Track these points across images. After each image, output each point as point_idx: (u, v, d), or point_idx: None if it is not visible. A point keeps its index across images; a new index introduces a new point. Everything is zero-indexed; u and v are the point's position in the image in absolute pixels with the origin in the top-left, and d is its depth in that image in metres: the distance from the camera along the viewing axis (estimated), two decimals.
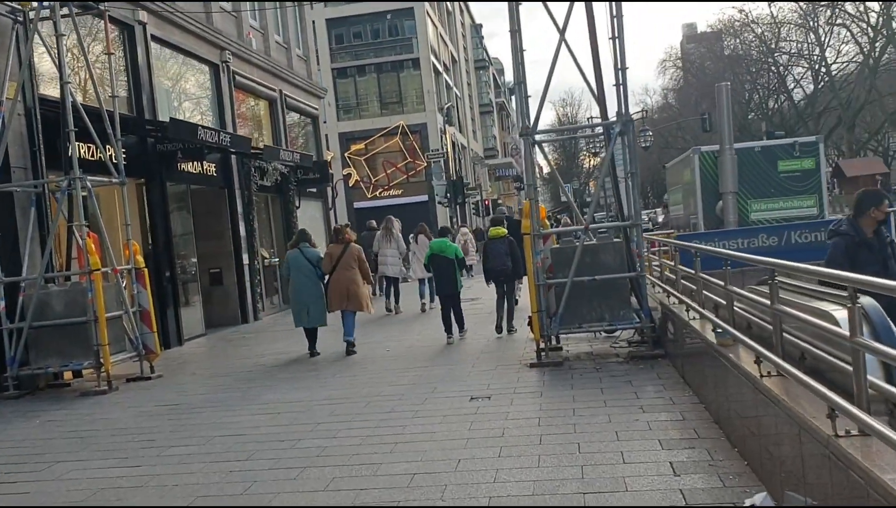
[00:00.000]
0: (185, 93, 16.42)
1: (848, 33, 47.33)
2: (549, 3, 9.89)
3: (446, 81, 49.66)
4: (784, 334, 4.87)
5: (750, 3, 71.48)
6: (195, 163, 15.34)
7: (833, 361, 4.30)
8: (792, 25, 49.48)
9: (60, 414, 8.85)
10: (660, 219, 38.02)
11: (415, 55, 43.75)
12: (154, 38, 14.35)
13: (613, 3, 9.44)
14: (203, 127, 14.38)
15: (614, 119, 9.84)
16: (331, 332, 12.06)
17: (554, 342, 10.07)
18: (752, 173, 17.10)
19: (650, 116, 58.63)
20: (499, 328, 11.89)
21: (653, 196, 69.11)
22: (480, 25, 72.41)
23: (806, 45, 49.62)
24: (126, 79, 13.63)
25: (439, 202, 37.41)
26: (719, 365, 5.90)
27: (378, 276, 16.99)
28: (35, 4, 10.42)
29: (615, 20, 9.46)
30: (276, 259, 19.19)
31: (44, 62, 11.45)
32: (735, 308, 6.11)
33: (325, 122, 28.78)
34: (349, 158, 42.72)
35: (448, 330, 11.71)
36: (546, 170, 73.30)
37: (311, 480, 5.66)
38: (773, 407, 4.50)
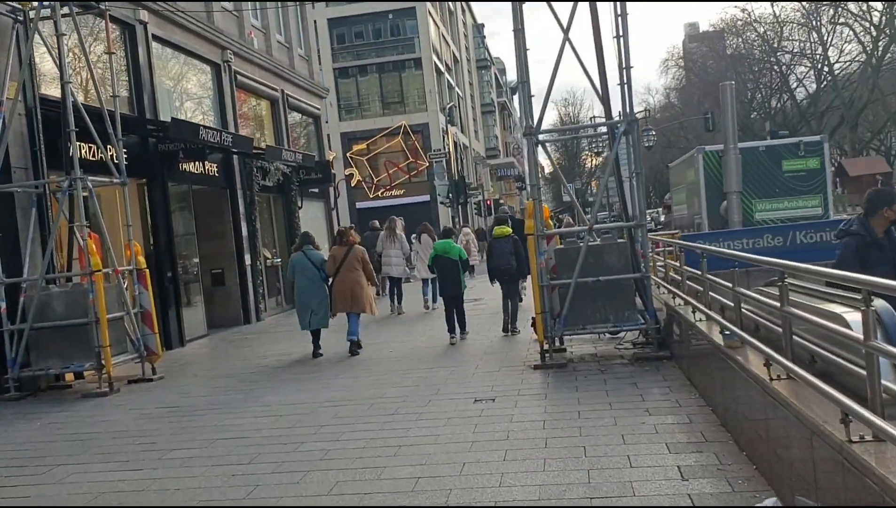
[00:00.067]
0: (186, 93, 16.37)
1: (851, 32, 47.31)
2: (552, 3, 9.84)
3: (448, 81, 49.60)
4: (793, 336, 4.80)
5: (752, 2, 71.51)
6: (197, 163, 15.29)
7: (845, 364, 4.23)
8: (794, 24, 49.47)
9: (61, 416, 8.80)
10: (661, 218, 37.95)
11: (416, 55, 43.68)
12: (155, 37, 14.31)
13: (618, 2, 9.37)
14: (205, 127, 14.34)
15: (619, 118, 9.77)
16: (333, 333, 12.01)
17: (557, 344, 9.99)
18: (757, 173, 17.02)
19: (652, 115, 58.60)
20: (505, 329, 11.87)
21: (655, 196, 68.98)
22: (482, 25, 72.40)
23: (808, 44, 49.57)
24: (127, 78, 13.58)
25: (441, 202, 37.32)
26: (727, 368, 5.83)
27: (381, 276, 16.97)
28: (35, 4, 10.37)
29: (619, 19, 9.40)
30: (279, 260, 19.16)
31: (45, 62, 11.40)
32: (742, 310, 6.04)
33: (326, 122, 28.76)
34: (351, 158, 42.67)
35: (451, 330, 11.68)
36: (548, 170, 73.37)
37: (314, 484, 5.59)
38: (782, 411, 4.43)
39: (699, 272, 7.46)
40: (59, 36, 10.36)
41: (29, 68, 10.68)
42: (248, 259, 17.04)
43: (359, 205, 41.29)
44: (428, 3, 44.35)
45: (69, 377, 10.73)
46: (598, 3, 9.77)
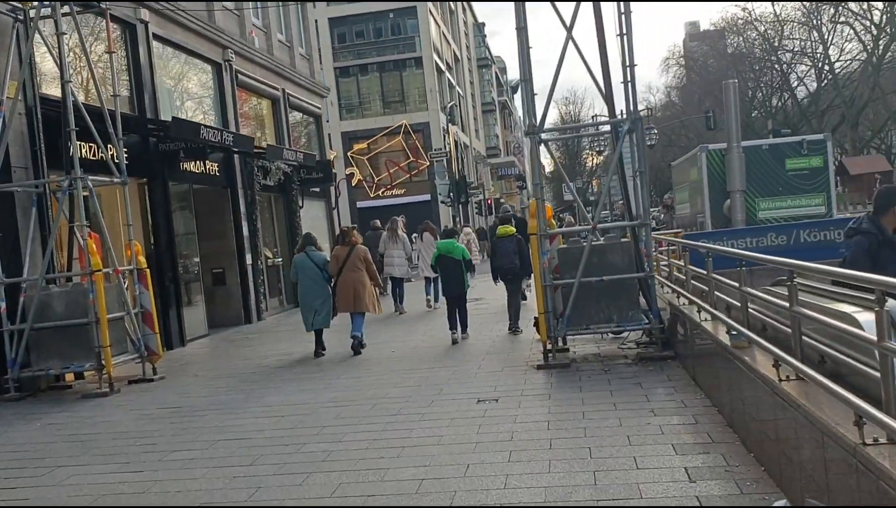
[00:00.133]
0: (187, 92, 16.31)
1: (851, 31, 47.27)
2: (555, 2, 9.77)
3: (449, 80, 49.55)
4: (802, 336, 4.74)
5: (753, 1, 71.40)
6: (198, 162, 15.23)
7: (857, 365, 4.17)
8: (795, 23, 49.44)
9: (61, 417, 8.75)
10: (661, 217, 37.83)
11: (417, 54, 43.64)
12: (156, 36, 14.25)
13: (621, 1, 9.31)
14: (206, 126, 14.29)
15: (623, 117, 9.71)
16: (335, 333, 11.96)
17: (560, 344, 9.94)
18: (760, 172, 16.95)
19: (653, 114, 58.50)
20: (511, 329, 11.86)
21: (656, 194, 68.91)
22: (483, 24, 72.30)
23: (809, 43, 49.51)
24: (128, 78, 13.52)
25: (442, 202, 37.27)
26: (734, 368, 5.77)
27: (384, 277, 16.95)
28: (36, 3, 10.33)
29: (623, 17, 9.34)
30: (280, 259, 19.12)
31: (45, 61, 11.35)
32: (748, 309, 5.98)
33: (327, 121, 28.70)
34: (352, 157, 42.63)
35: (453, 327, 11.67)
36: (548, 169, 73.32)
37: (317, 486, 5.53)
38: (792, 412, 4.37)
39: (704, 272, 7.40)
40: (59, 35, 10.30)
41: (29, 67, 10.63)
42: (249, 259, 16.99)
43: (359, 204, 41.25)
44: (429, 3, 44.30)
45: (69, 377, 10.68)
46: (601, 2, 9.71)
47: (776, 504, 4.39)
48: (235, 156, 16.61)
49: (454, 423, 6.93)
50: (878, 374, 3.58)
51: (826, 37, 48.26)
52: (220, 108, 16.97)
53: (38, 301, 9.99)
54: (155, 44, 14.20)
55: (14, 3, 10.41)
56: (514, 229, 11.96)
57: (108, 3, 11.43)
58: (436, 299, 16.19)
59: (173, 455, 6.71)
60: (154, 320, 10.94)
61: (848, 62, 48.80)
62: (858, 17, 45.93)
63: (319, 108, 23.89)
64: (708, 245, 7.98)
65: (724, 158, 16.35)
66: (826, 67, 48.92)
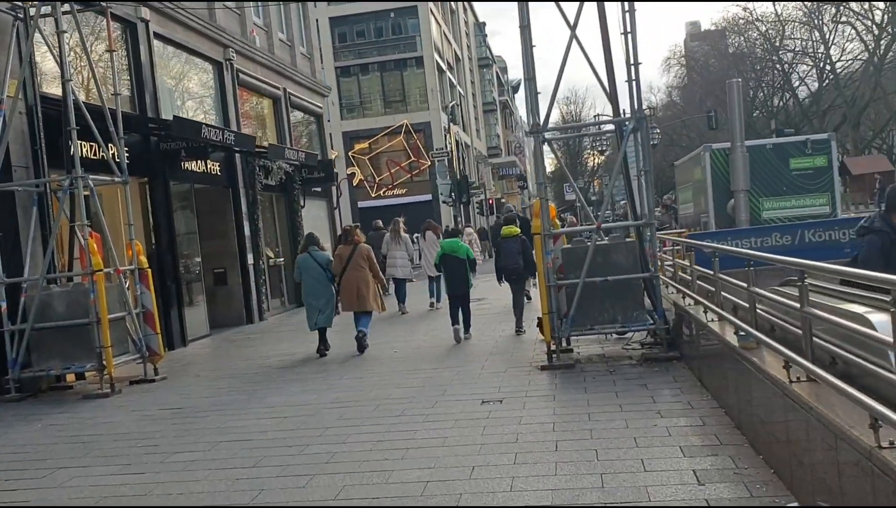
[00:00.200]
0: (188, 91, 16.26)
1: (853, 31, 47.18)
2: (559, 1, 9.72)
3: (450, 80, 49.51)
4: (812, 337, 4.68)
5: (754, 1, 71.38)
6: (199, 162, 15.17)
7: (869, 367, 4.10)
8: (796, 23, 49.34)
9: (62, 418, 8.69)
10: (661, 217, 37.77)
11: (418, 53, 43.61)
12: (157, 35, 14.19)
13: (625, 0, 9.26)
14: (207, 125, 14.22)
15: (627, 116, 9.65)
16: (337, 333, 11.91)
17: (564, 344, 9.87)
18: (764, 171, 16.90)
19: (655, 113, 58.44)
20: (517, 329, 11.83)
21: (656, 194, 68.88)
22: (484, 24, 72.20)
23: (810, 42, 49.41)
24: (128, 77, 13.47)
25: (443, 201, 37.21)
26: (742, 369, 5.71)
27: (386, 277, 16.92)
28: (36, 2, 10.27)
29: (626, 16, 9.28)
30: (281, 259, 19.07)
31: (45, 60, 11.29)
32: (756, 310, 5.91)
33: (328, 120, 28.64)
34: (353, 157, 42.59)
35: (455, 322, 11.64)
36: (549, 169, 73.17)
37: (320, 488, 5.47)
38: (804, 414, 4.31)
39: (710, 272, 7.34)
40: (59, 34, 10.25)
41: (29, 66, 10.57)
42: (250, 258, 16.94)
43: (361, 204, 41.23)
44: (429, 2, 44.26)
45: (70, 377, 10.62)
46: (605, 1, 9.66)
47: (787, 506, 4.34)
48: (237, 155, 16.56)
49: (458, 424, 6.87)
50: (892, 376, 3.52)
51: (827, 37, 48.22)
52: (221, 107, 16.92)
53: (38, 301, 9.93)
54: (156, 43, 14.15)
55: (14, 2, 10.36)
56: (519, 230, 11.90)
57: (108, 1, 11.39)
58: (438, 299, 16.15)
59: (175, 456, 6.64)
60: (155, 320, 10.88)
61: (849, 62, 48.78)
62: (860, 17, 45.88)
63: (321, 107, 23.84)
64: (715, 245, 7.91)
65: (727, 158, 16.30)
66: (827, 67, 48.85)
